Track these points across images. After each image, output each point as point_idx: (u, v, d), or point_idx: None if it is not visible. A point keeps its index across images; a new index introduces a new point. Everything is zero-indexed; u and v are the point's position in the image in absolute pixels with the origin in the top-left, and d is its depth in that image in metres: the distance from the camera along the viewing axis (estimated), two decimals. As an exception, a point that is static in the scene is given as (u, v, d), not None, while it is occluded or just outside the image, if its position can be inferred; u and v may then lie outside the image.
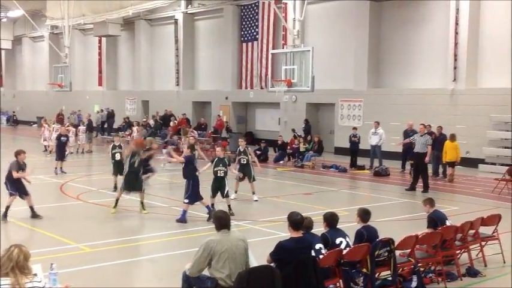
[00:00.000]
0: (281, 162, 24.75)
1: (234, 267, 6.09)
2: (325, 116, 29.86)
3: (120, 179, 15.95)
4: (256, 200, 14.99)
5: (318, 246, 6.96)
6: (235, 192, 15.16)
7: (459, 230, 8.82)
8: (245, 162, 15.26)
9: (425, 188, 16.96)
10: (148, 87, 39.74)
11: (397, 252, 7.78)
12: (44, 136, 26.63)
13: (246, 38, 33.00)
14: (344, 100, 27.92)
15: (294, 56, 20.15)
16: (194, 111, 35.82)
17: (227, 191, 13.04)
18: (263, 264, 6.31)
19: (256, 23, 32.14)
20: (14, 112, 52.02)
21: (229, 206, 12.92)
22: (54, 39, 42.54)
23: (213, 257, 6.10)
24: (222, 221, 6.33)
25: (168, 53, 37.60)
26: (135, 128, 29.67)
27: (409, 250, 7.96)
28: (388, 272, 7.56)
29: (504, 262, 9.25)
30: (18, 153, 12.29)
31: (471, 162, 22.29)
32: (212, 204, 12.88)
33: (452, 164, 19.52)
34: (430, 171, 20.42)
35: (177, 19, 36.51)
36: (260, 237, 10.74)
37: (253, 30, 32.45)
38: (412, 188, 17.22)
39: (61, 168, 19.83)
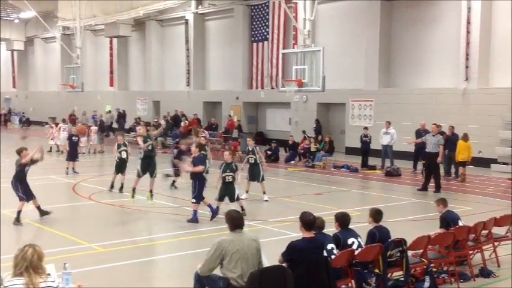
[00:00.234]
0: (292, 162, 24.72)
1: (246, 267, 6.09)
2: (335, 116, 29.79)
3: (116, 177, 16.11)
4: (266, 200, 14.99)
5: (329, 246, 6.95)
6: (247, 192, 15.17)
7: (472, 230, 8.77)
8: (253, 162, 15.25)
9: (438, 188, 16.87)
10: (159, 87, 39.87)
11: (410, 253, 7.75)
12: (52, 136, 26.78)
13: (256, 38, 33.00)
14: (355, 100, 27.84)
15: (305, 55, 20.10)
16: (205, 111, 35.87)
17: (237, 195, 12.88)
18: (275, 265, 6.31)
19: (267, 23, 32.13)
20: (23, 113, 52.37)
21: (241, 206, 12.87)
22: (66, 40, 42.77)
23: (225, 257, 6.11)
24: (236, 221, 6.34)
25: (178, 54, 37.69)
26: (137, 128, 29.73)
27: (421, 250, 7.93)
28: (401, 273, 7.53)
29: (517, 262, 9.19)
30: (20, 151, 12.07)
31: (483, 162, 22.15)
32: (217, 207, 12.68)
33: (463, 164, 19.42)
34: (442, 171, 20.38)
35: (187, 19, 36.59)
36: (271, 237, 10.73)
37: (263, 30, 32.45)
38: (424, 188, 17.13)
39: (73, 168, 19.93)
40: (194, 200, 12.26)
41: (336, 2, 28.75)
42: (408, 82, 26.28)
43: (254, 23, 33.07)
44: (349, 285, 7.14)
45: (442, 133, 20.04)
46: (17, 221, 11.86)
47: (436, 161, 16.89)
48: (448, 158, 19.79)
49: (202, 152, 13.89)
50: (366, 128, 23.86)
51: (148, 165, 13.65)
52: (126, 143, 16.85)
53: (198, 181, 12.30)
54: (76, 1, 32.10)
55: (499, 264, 9.04)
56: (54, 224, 11.90)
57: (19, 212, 11.90)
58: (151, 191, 13.11)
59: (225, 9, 34.56)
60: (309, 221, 6.47)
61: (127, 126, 37.84)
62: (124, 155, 16.22)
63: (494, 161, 22.29)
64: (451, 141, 19.62)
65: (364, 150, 23.04)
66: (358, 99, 27.65)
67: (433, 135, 17.29)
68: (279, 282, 5.91)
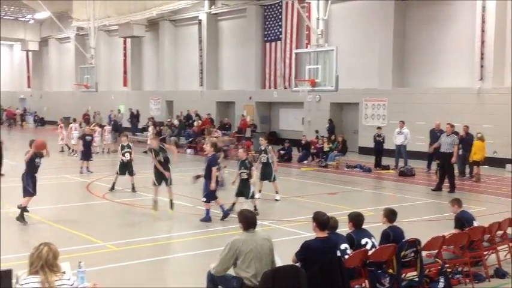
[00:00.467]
0: (305, 162, 24.69)
1: (260, 266, 6.09)
2: (349, 116, 29.70)
3: (121, 178, 16.15)
4: (277, 200, 14.98)
5: (343, 246, 6.93)
6: (259, 191, 15.18)
7: (487, 230, 8.70)
8: (266, 161, 15.26)
9: (452, 189, 16.76)
10: (172, 87, 40.01)
11: (424, 253, 7.70)
12: (62, 136, 26.93)
13: (269, 38, 32.99)
14: (368, 99, 27.74)
15: (318, 55, 20.07)
16: (218, 111, 35.93)
17: (252, 192, 13.03)
18: (288, 264, 6.30)
19: (280, 23, 32.11)
20: (35, 112, 52.75)
21: (254, 206, 12.94)
22: (80, 41, 43.08)
23: (239, 256, 6.11)
24: (249, 220, 6.34)
25: (192, 54, 37.80)
26: (150, 128, 29.85)
27: (436, 251, 7.88)
28: (415, 273, 7.50)
29: (533, 263, 9.10)
30: (32, 143, 11.98)
31: (498, 162, 21.97)
32: (233, 204, 13.01)
33: (478, 164, 19.29)
34: (456, 171, 20.24)
35: (200, 19, 36.68)
36: (284, 237, 10.73)
37: (276, 30, 32.44)
38: (438, 188, 17.02)
39: (87, 167, 20.05)
40: (204, 199, 12.33)
41: (349, 2, 28.67)
42: (422, 81, 26.13)
43: (267, 23, 33.06)
44: (363, 285, 7.11)
45: (456, 133, 19.91)
46: (22, 218, 11.71)
47: (451, 161, 16.78)
48: (463, 157, 19.64)
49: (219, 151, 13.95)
50: (379, 128, 23.77)
51: (162, 174, 13.22)
52: (130, 144, 16.84)
53: (211, 180, 12.30)
54: (90, 2, 32.30)
55: (515, 265, 8.97)
56: (69, 223, 11.97)
57: (24, 208, 11.78)
58: (171, 201, 12.89)
59: (238, 9, 34.60)
60: (322, 221, 6.45)
61: (140, 126, 38.01)
62: (127, 157, 16.27)
63: (509, 161, 22.08)
64: (465, 141, 19.49)
65: (378, 150, 22.95)
66: (372, 98, 27.55)
67: (447, 135, 17.18)
68: (293, 282, 5.91)
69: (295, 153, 25.81)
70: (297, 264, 6.33)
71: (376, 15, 27.33)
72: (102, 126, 29.46)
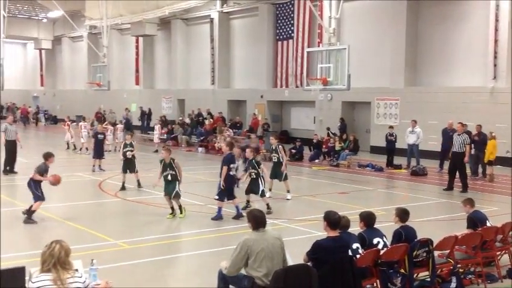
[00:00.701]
0: (316, 161, 24.64)
1: (271, 266, 6.09)
2: (361, 115, 29.60)
3: (128, 176, 16.21)
4: (289, 199, 14.98)
5: (355, 245, 6.91)
6: (270, 190, 15.20)
7: (500, 231, 8.64)
8: (276, 160, 15.28)
9: (464, 188, 16.66)
10: (184, 86, 40.10)
11: (436, 253, 7.66)
12: (71, 133, 27.04)
13: (281, 37, 32.96)
14: (380, 98, 27.63)
15: (330, 54, 20.00)
16: (229, 109, 35.96)
17: (262, 191, 13.11)
18: (300, 263, 6.30)
19: (292, 21, 32.07)
20: (46, 111, 53.01)
21: (267, 204, 13.03)
22: (93, 39, 43.28)
23: (250, 256, 6.10)
24: (258, 220, 6.34)
25: (203, 52, 37.86)
26: (157, 127, 29.79)
27: (448, 251, 7.83)
28: (427, 273, 7.46)
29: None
30: (48, 156, 12.04)
31: (511, 162, 21.78)
32: (247, 201, 13.22)
33: (491, 163, 19.16)
34: (468, 171, 20.11)
35: (212, 18, 36.74)
36: (296, 236, 10.72)
37: (288, 29, 32.39)
38: (450, 187, 16.94)
39: (99, 165, 20.16)
40: (217, 197, 12.35)
41: (362, 0, 28.55)
42: (435, 80, 25.98)
43: (279, 22, 33.03)
44: (374, 285, 7.09)
45: (469, 132, 19.78)
46: (30, 219, 11.73)
47: (463, 160, 16.67)
48: (476, 157, 19.51)
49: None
50: (391, 127, 23.67)
51: (169, 185, 13.01)
52: (133, 143, 16.86)
53: (227, 180, 12.38)
54: (103, 0, 32.43)
55: (528, 266, 8.89)
56: (81, 221, 12.05)
57: (33, 212, 11.80)
58: (180, 207, 12.77)
59: (249, 8, 34.60)
60: (334, 220, 6.44)
61: (152, 124, 38.09)
62: (128, 155, 16.34)
63: (523, 161, 21.91)
64: (478, 140, 19.35)
65: (390, 149, 22.86)
66: (384, 97, 27.44)
67: (459, 135, 17.09)
68: (304, 281, 5.90)
69: (307, 152, 25.78)
70: (309, 263, 6.32)
71: (388, 14, 27.20)
72: (114, 125, 29.59)
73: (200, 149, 29.00)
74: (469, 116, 22.18)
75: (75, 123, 27.78)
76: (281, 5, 32.81)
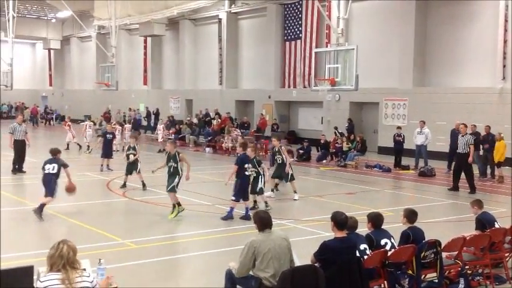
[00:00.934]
0: (324, 161, 24.60)
1: (279, 266, 6.09)
2: (368, 115, 29.54)
3: (133, 177, 16.27)
4: (296, 199, 14.98)
5: (362, 246, 6.89)
6: (272, 190, 15.25)
7: (508, 232, 8.60)
8: (280, 162, 15.31)
9: (472, 189, 16.59)
10: (192, 86, 40.16)
11: (444, 254, 7.63)
12: (72, 133, 27.01)
13: (289, 37, 32.95)
14: (388, 99, 27.56)
15: (338, 54, 19.99)
16: (237, 110, 35.98)
17: (260, 188, 13.16)
18: (307, 264, 6.29)
19: (300, 22, 32.05)
20: (51, 110, 53.16)
21: (265, 202, 13.17)
22: (101, 39, 43.46)
23: (257, 257, 6.11)
24: (264, 221, 6.34)
25: (211, 52, 37.91)
26: (161, 127, 29.76)
27: (456, 252, 7.80)
28: (435, 274, 7.43)
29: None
30: (57, 152, 12.48)
31: (521, 163, 21.67)
32: (254, 201, 13.21)
33: (500, 164, 19.08)
34: (476, 171, 20.02)
35: (220, 18, 36.78)
36: (303, 237, 10.71)
37: (296, 29, 32.38)
38: (455, 187, 16.90)
39: (107, 165, 20.22)
40: (234, 198, 12.45)
41: (370, 1, 28.50)
42: (443, 81, 25.89)
43: (287, 22, 33.02)
44: (382, 286, 7.06)
45: (477, 133, 19.73)
46: (39, 214, 11.87)
47: (468, 161, 16.64)
48: (484, 158, 19.42)
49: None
50: (399, 128, 23.61)
51: (168, 180, 12.72)
52: (136, 146, 16.83)
53: (241, 180, 12.49)
54: (112, 1, 32.55)
55: (536, 268, 8.84)
56: (89, 220, 12.08)
57: (43, 206, 11.99)
58: (174, 206, 12.68)
59: (258, 8, 34.61)
60: (341, 221, 6.43)
61: (163, 123, 38.13)
62: (131, 159, 16.38)
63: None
64: (487, 141, 19.25)
65: (397, 150, 22.80)
66: (392, 98, 27.37)
67: (462, 136, 17.08)
68: (311, 282, 5.89)
69: (314, 153, 25.74)
70: (316, 264, 6.31)
71: (397, 14, 27.13)
72: (122, 125, 29.68)
73: (208, 149, 29.02)
74: (478, 116, 22.09)
75: (82, 123, 27.74)
76: (289, 5, 32.80)
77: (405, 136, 22.91)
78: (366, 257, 6.77)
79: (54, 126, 48.82)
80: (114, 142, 22.79)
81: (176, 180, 12.43)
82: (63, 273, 4.71)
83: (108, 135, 20.76)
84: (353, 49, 19.40)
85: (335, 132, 26.81)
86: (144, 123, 39.72)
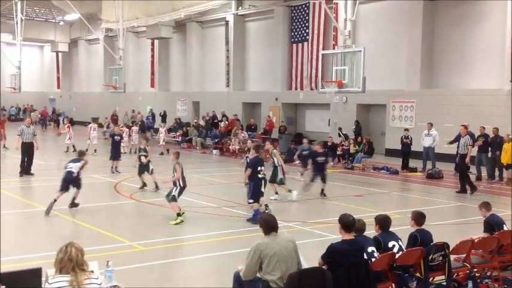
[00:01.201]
0: (331, 163, 24.52)
1: (286, 268, 6.07)
2: (376, 117, 29.46)
3: (144, 177, 16.32)
4: (294, 200, 15.01)
5: (370, 249, 6.87)
6: (276, 193, 15.23)
7: (517, 235, 8.55)
8: (274, 165, 15.33)
9: (472, 189, 16.65)
10: (199, 88, 40.20)
11: (452, 257, 7.60)
12: (70, 135, 26.98)
13: (296, 39, 32.93)
14: (396, 101, 27.48)
15: (345, 56, 19.95)
16: (244, 112, 35.98)
17: (280, 179, 13.75)
18: (314, 266, 6.29)
19: (307, 24, 32.03)
20: (55, 112, 53.30)
21: (266, 205, 13.15)
22: (109, 42, 43.58)
23: (263, 260, 6.09)
24: (269, 224, 6.33)
25: (218, 55, 37.94)
26: (162, 130, 29.68)
27: (464, 255, 7.77)
28: (443, 277, 7.40)
29: None
30: (83, 154, 13.79)
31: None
32: (266, 205, 13.13)
33: (508, 166, 18.99)
34: (484, 174, 19.96)
35: (228, 21, 36.81)
36: (310, 239, 10.70)
37: (303, 31, 32.36)
38: (462, 190, 16.88)
39: (116, 167, 20.27)
40: (251, 200, 12.54)
41: (377, 2, 28.44)
42: (451, 83, 25.79)
43: (294, 24, 33.01)
44: (390, 288, 7.06)
45: (486, 135, 19.66)
46: (48, 210, 12.42)
47: (464, 161, 16.68)
48: (492, 160, 19.34)
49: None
50: (406, 130, 23.54)
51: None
52: (147, 148, 16.76)
53: (254, 182, 12.57)
54: (119, 3, 32.66)
55: (545, 271, 8.79)
56: (96, 222, 12.12)
57: (74, 199, 12.99)
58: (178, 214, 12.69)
59: (265, 10, 34.61)
60: (348, 223, 6.41)
61: (166, 126, 38.19)
62: (143, 160, 16.42)
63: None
64: (495, 143, 19.18)
65: (405, 152, 22.74)
66: (399, 100, 27.29)
67: (462, 137, 17.14)
68: (318, 284, 5.88)
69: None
70: (324, 266, 6.30)
71: (404, 16, 27.06)
72: (129, 127, 29.76)
73: (215, 151, 29.06)
74: (486, 118, 21.98)
75: (91, 124, 27.79)
76: (296, 8, 32.79)
77: (413, 138, 22.84)
78: (373, 259, 6.75)
79: (61, 128, 48.97)
80: (122, 144, 22.86)
81: (175, 189, 12.35)
82: (72, 275, 4.73)
83: (116, 137, 20.82)
84: (360, 51, 19.35)
85: (339, 134, 26.71)
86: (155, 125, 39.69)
